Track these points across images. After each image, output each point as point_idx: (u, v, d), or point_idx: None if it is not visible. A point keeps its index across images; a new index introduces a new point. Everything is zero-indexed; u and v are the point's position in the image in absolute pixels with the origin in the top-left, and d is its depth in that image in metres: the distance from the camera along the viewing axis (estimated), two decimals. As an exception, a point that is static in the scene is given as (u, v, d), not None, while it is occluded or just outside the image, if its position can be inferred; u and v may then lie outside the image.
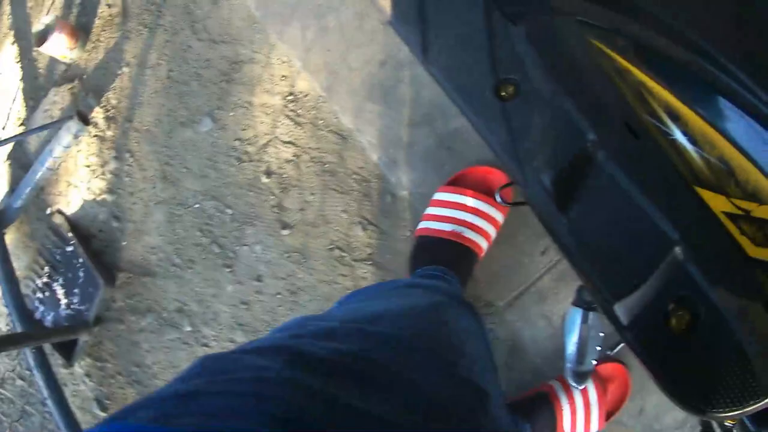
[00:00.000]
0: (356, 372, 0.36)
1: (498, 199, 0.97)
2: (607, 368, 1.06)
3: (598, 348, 0.93)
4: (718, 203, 0.38)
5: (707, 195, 0.39)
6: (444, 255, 0.99)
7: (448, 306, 0.65)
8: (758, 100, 0.35)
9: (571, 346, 0.92)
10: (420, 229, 1.01)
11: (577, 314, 0.91)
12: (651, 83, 0.43)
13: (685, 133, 0.39)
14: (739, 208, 0.37)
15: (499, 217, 1.01)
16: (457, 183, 1.02)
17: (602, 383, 1.05)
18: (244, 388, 0.30)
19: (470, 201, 0.99)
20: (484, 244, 1.00)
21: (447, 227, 0.99)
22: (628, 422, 1.10)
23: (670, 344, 0.42)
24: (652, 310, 0.42)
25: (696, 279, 0.39)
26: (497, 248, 1.03)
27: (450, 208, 1.00)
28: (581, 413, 1.04)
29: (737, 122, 0.36)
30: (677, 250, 0.40)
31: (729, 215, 0.37)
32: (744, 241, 0.37)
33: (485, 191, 1.01)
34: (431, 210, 1.01)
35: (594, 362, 0.94)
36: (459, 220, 0.99)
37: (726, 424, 0.60)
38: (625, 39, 0.46)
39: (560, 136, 0.62)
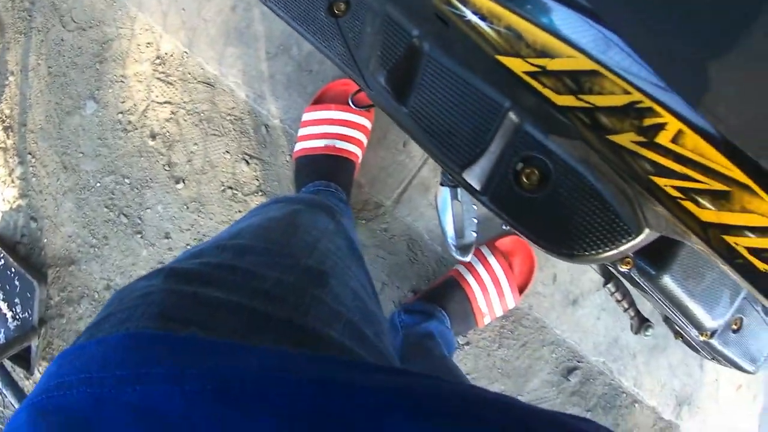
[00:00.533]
0: (217, 276, 0.46)
1: (351, 104, 1.03)
2: (507, 242, 1.10)
3: (475, 220, 0.99)
4: (517, 65, 0.42)
5: (507, 61, 0.42)
6: (322, 169, 1.05)
7: (302, 212, 0.72)
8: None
9: (448, 223, 0.97)
10: (296, 151, 1.06)
11: (446, 193, 0.96)
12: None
13: (475, 13, 0.43)
14: (534, 65, 0.40)
15: (366, 122, 1.06)
16: (320, 100, 1.08)
17: (505, 257, 1.09)
18: (136, 302, 0.41)
19: (335, 114, 1.05)
20: (357, 151, 1.05)
21: (319, 143, 1.05)
22: (544, 291, 1.13)
23: (526, 200, 0.45)
24: (500, 172, 0.46)
25: (533, 136, 0.43)
26: (372, 152, 1.08)
27: (318, 125, 1.06)
28: (492, 289, 1.07)
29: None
30: (511, 115, 0.44)
31: (529, 74, 0.41)
32: (548, 93, 0.40)
33: (347, 102, 1.06)
34: (302, 131, 1.07)
35: (474, 234, 0.99)
36: (329, 134, 1.05)
37: (622, 269, 0.63)
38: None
39: (389, 38, 0.68)
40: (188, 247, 1.15)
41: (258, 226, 0.62)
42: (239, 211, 1.12)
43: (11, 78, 1.29)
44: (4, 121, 1.29)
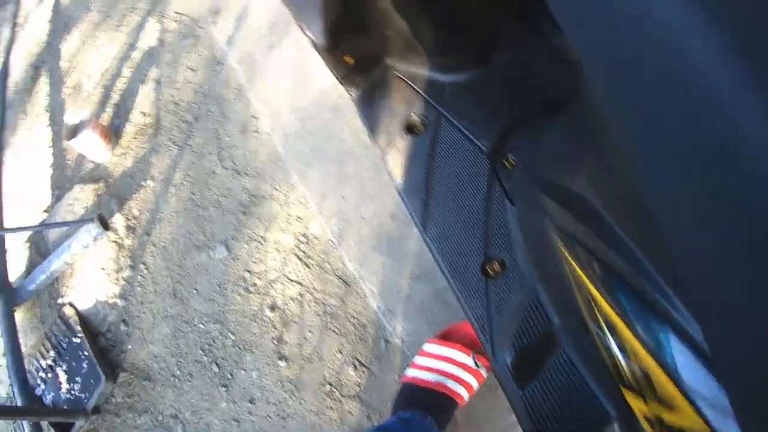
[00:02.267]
0: None
1: (472, 361, 1.05)
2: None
3: None
4: (638, 405, 0.44)
5: (630, 397, 0.45)
6: (425, 402, 1.07)
7: None
8: (690, 328, 0.39)
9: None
10: (406, 375, 1.08)
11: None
12: (598, 297, 0.50)
13: (618, 345, 0.45)
14: (653, 413, 0.43)
15: (484, 372, 1.08)
16: (447, 337, 1.10)
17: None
18: None
19: (456, 354, 1.07)
20: (465, 395, 1.07)
21: (432, 377, 1.07)
22: None
23: None
24: None
25: None
26: (480, 395, 1.10)
27: (437, 359, 1.08)
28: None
29: (663, 341, 0.41)
30: (615, 425, 0.47)
31: (646, 417, 0.44)
32: None
33: (472, 346, 1.09)
34: (419, 360, 1.09)
35: None
36: (444, 371, 1.07)
37: None
38: (586, 252, 0.52)
39: (530, 317, 0.69)
40: (268, 419, 1.16)
41: None
42: (330, 408, 1.13)
43: (150, 183, 1.30)
44: (129, 220, 1.31)
